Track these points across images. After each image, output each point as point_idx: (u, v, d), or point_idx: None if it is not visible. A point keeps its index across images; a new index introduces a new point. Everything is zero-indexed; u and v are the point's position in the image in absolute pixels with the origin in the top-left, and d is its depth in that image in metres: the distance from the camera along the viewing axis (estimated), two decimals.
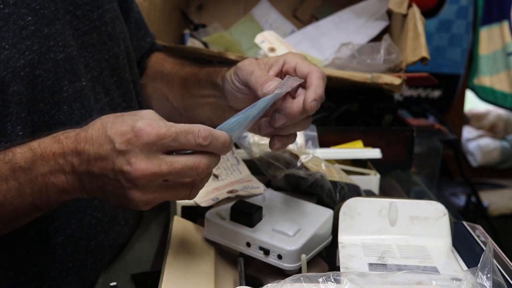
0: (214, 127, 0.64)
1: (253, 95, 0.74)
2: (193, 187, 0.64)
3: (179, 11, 1.47)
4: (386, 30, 1.32)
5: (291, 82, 0.70)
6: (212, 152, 0.63)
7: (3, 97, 0.68)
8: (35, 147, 0.64)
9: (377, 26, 1.33)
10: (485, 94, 2.47)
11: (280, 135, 0.74)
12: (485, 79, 2.44)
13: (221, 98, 0.82)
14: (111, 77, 0.86)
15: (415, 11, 1.16)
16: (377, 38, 1.28)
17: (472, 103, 2.86)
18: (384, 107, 1.16)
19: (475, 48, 2.46)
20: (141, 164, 0.60)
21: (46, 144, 0.64)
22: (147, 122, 0.60)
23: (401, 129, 1.12)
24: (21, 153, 0.64)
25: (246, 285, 0.65)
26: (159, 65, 1.00)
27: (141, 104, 0.93)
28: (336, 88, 1.18)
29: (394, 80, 1.08)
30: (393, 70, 1.16)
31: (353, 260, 0.68)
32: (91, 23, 0.82)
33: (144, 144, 0.60)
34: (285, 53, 0.76)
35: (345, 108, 1.18)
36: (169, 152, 0.62)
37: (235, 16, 1.50)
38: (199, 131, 0.61)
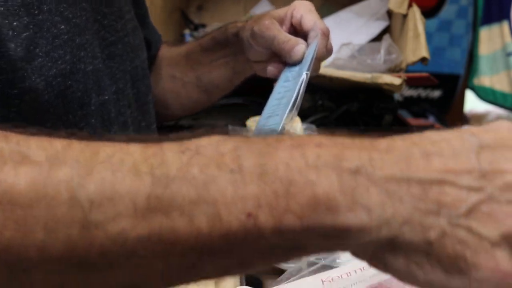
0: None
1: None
2: None
3: (179, 11, 1.48)
4: (386, 30, 1.32)
5: (313, 39, 0.69)
6: None
7: (36, 105, 0.64)
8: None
9: (377, 26, 1.34)
10: (485, 94, 2.48)
11: None
12: (485, 79, 2.44)
13: (238, 55, 0.81)
14: (132, 90, 0.82)
15: (415, 11, 1.16)
16: (377, 38, 1.28)
17: (472, 103, 2.86)
18: (384, 107, 1.16)
19: (475, 48, 2.46)
20: None
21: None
22: None
23: (401, 129, 1.12)
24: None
25: (246, 285, 0.65)
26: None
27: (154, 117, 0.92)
28: (336, 88, 1.18)
29: (394, 80, 1.08)
30: (393, 70, 1.16)
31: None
32: (116, 33, 0.79)
33: None
34: (293, 3, 0.73)
35: (345, 108, 1.18)
36: None
37: (235, 16, 1.50)
38: None
